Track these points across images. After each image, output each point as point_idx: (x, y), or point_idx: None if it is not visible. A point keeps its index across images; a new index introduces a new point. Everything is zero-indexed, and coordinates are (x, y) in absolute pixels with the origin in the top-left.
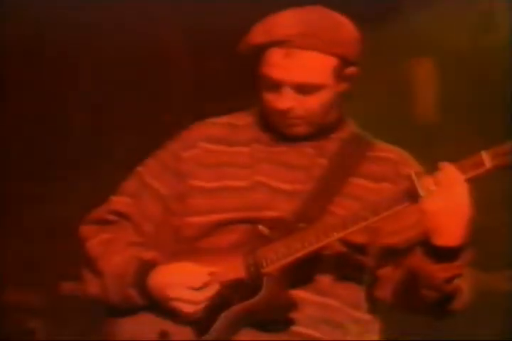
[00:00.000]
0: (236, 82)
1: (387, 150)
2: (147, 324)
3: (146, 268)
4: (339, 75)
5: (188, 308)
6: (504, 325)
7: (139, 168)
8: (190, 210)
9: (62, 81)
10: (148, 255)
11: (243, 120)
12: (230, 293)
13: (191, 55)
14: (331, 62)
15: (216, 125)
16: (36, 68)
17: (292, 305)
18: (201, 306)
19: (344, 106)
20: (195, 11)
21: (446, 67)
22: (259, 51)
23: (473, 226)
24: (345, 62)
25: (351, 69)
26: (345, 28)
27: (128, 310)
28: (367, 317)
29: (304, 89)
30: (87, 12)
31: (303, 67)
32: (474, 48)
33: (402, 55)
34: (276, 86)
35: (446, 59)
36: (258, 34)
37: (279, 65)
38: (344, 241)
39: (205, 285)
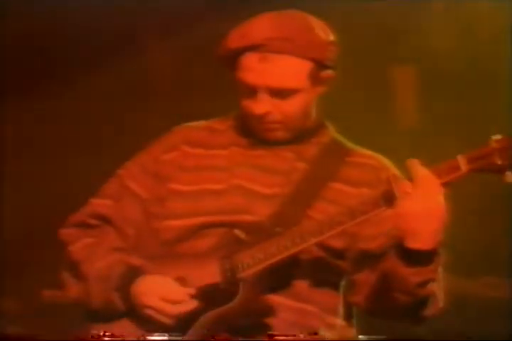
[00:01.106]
0: (217, 86)
1: (367, 156)
2: (125, 330)
3: (132, 273)
4: (315, 79)
5: (161, 319)
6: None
7: (120, 171)
8: (169, 213)
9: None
10: (137, 261)
11: (223, 124)
12: (206, 298)
13: (173, 59)
14: (306, 66)
15: (196, 129)
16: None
17: (268, 310)
18: (173, 320)
19: (326, 111)
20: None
21: (427, 72)
22: (236, 56)
23: (452, 232)
24: (320, 65)
25: (327, 73)
26: (319, 31)
27: (108, 316)
28: (343, 323)
29: (279, 93)
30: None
31: (278, 71)
32: (457, 52)
33: (383, 61)
34: (252, 91)
35: (428, 64)
36: (233, 39)
37: (254, 70)
38: (322, 246)
39: (179, 302)
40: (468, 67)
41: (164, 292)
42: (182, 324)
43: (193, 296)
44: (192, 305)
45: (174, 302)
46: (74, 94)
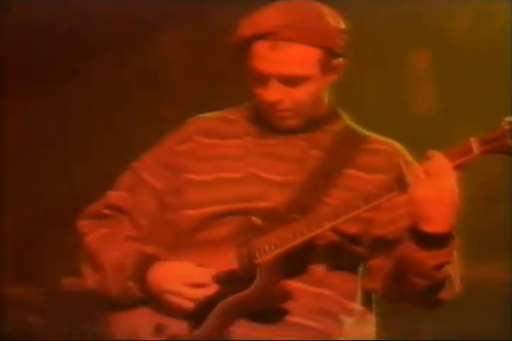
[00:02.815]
0: (234, 77)
1: (381, 143)
2: (144, 318)
3: (147, 261)
4: (325, 66)
5: (184, 303)
6: (501, 315)
7: (135, 164)
8: (185, 203)
9: (61, 76)
10: (150, 249)
11: (236, 114)
12: (223, 285)
13: (191, 51)
14: (316, 53)
15: (210, 119)
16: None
17: (286, 295)
18: (196, 303)
19: (339, 99)
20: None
21: (444, 58)
22: (247, 44)
23: (469, 218)
24: (330, 53)
25: (338, 61)
26: (329, 19)
27: (125, 304)
28: (362, 308)
29: (290, 81)
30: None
31: (288, 59)
32: (473, 39)
33: (399, 46)
34: (263, 79)
35: (445, 50)
36: (245, 27)
37: (265, 58)
38: (338, 232)
39: (203, 285)
40: (482, 52)
41: (186, 275)
42: (200, 310)
43: (214, 279)
44: (215, 287)
45: (198, 286)
46: (83, 86)
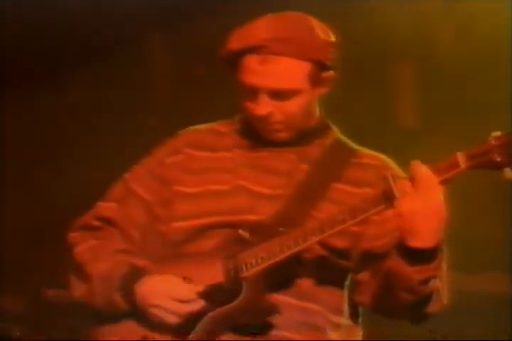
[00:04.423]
0: (222, 86)
1: (371, 157)
2: (129, 330)
3: (135, 274)
4: (315, 80)
5: (169, 318)
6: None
7: (126, 175)
8: (175, 215)
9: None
10: (140, 262)
11: (227, 127)
12: (209, 298)
13: (177, 59)
14: (306, 67)
15: (201, 132)
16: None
17: (272, 309)
18: (183, 319)
19: (326, 112)
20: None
21: (427, 71)
22: (237, 58)
23: (456, 228)
24: (320, 66)
25: (328, 74)
26: (319, 32)
27: (111, 316)
28: (348, 322)
29: (280, 94)
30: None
31: (278, 73)
32: (459, 50)
33: (383, 59)
34: (253, 93)
35: (428, 62)
36: (234, 41)
37: (255, 72)
38: (326, 246)
39: (190, 300)
40: (468, 65)
41: (173, 291)
42: (186, 324)
43: (199, 295)
44: (201, 303)
45: (183, 301)
46: (74, 92)
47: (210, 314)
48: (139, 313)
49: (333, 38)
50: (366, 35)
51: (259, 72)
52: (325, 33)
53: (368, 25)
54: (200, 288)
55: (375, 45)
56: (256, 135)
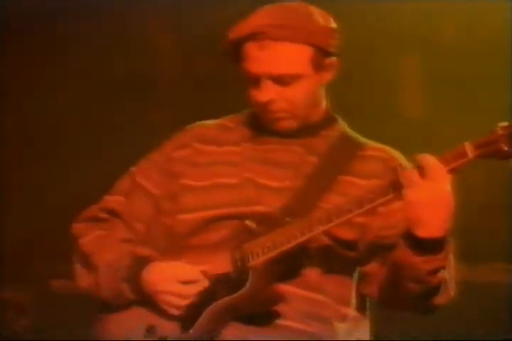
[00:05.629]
0: (225, 81)
1: (378, 149)
2: (135, 319)
3: (140, 263)
4: (318, 65)
5: (176, 301)
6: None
7: (132, 168)
8: (181, 208)
9: (52, 77)
10: (144, 251)
11: (234, 121)
12: (216, 288)
13: (181, 53)
14: (307, 51)
15: (208, 127)
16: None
17: (278, 298)
18: (189, 300)
19: (332, 101)
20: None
21: (434, 61)
22: (238, 48)
23: (461, 220)
24: (322, 51)
25: (331, 60)
26: (318, 18)
27: (117, 306)
28: (356, 314)
29: (282, 80)
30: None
31: (278, 58)
32: (464, 41)
33: (389, 50)
34: (255, 80)
35: (434, 53)
36: (234, 30)
37: (255, 59)
38: (333, 237)
39: (194, 281)
40: (474, 56)
41: (177, 274)
42: (191, 312)
43: (202, 272)
44: (206, 283)
45: (188, 282)
46: (76, 88)
47: (216, 303)
48: (145, 302)
49: (333, 24)
50: (369, 25)
51: (259, 58)
52: (325, 19)
53: (371, 15)
54: (203, 268)
55: (378, 35)
56: (262, 127)
